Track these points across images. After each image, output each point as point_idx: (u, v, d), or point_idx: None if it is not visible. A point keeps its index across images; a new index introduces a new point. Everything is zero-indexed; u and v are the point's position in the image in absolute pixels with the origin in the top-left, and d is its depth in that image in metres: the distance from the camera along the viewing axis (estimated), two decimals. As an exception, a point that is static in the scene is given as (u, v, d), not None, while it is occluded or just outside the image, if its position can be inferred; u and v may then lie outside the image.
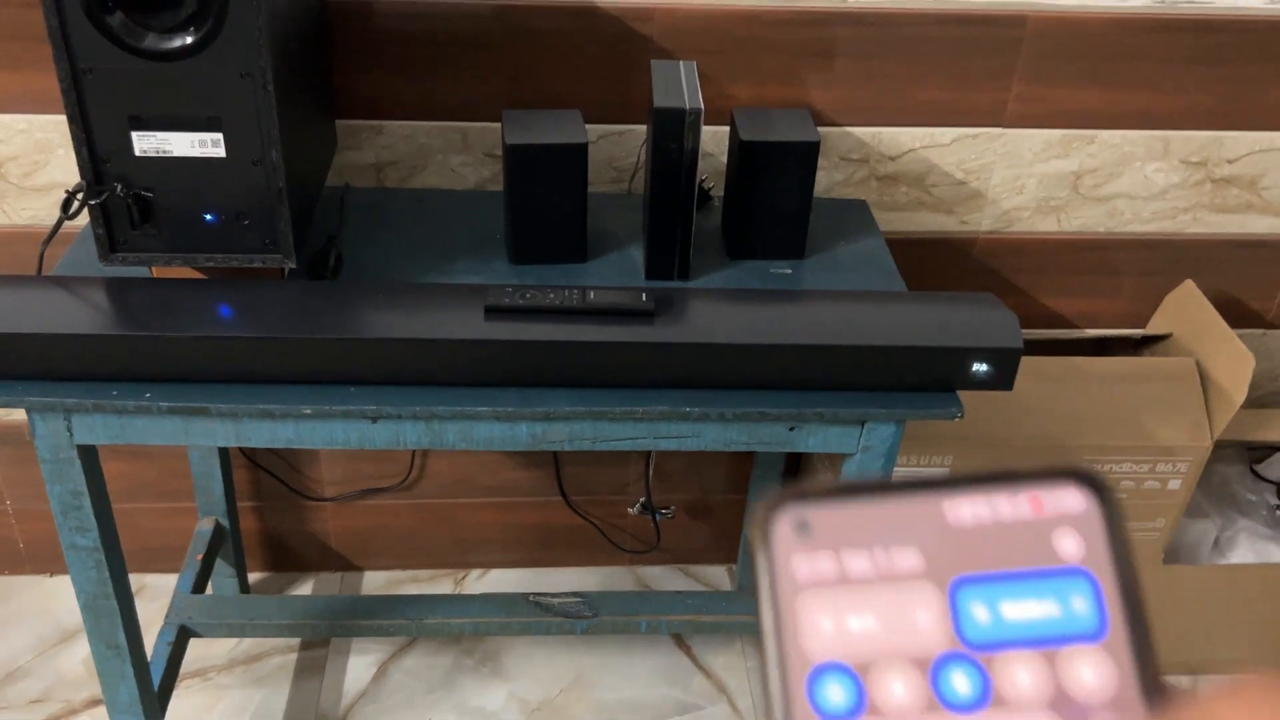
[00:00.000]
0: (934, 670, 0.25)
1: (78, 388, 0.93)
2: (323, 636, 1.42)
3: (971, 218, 1.29)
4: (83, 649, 1.39)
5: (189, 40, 0.87)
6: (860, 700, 0.25)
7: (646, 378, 0.94)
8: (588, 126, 1.09)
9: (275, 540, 1.50)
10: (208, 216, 0.96)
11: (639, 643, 1.45)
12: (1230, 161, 1.28)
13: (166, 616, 1.28)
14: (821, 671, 0.26)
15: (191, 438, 0.98)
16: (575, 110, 1.07)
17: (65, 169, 1.19)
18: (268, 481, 1.43)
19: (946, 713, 0.25)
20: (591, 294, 0.94)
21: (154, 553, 1.46)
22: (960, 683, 0.25)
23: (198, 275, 1.02)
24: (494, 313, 0.93)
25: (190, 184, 0.94)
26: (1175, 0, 1.18)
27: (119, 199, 0.94)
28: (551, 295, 0.94)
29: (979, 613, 0.26)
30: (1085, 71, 1.21)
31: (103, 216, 0.94)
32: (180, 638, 1.27)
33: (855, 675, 0.26)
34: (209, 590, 1.39)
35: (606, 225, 1.13)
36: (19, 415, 1.31)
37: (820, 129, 1.15)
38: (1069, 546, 0.26)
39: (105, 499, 1.02)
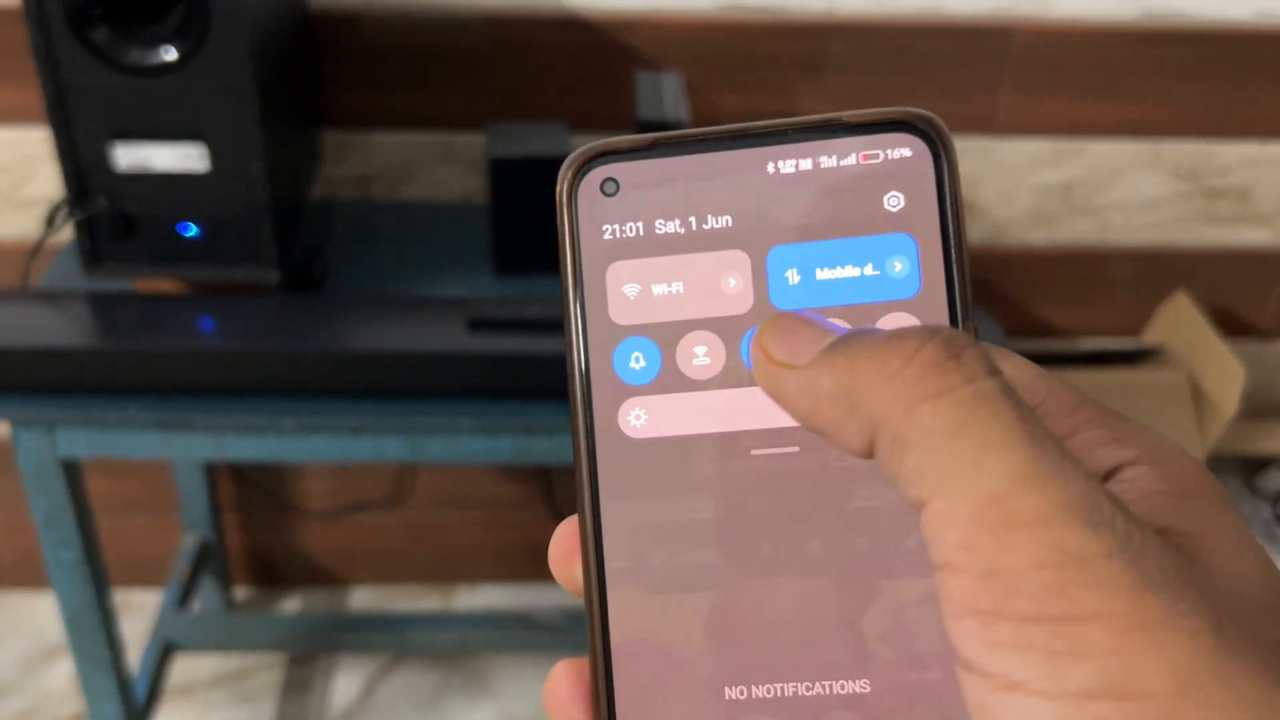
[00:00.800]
0: (742, 337, 0.24)
1: (61, 401, 0.92)
2: (309, 653, 1.41)
3: (961, 230, 1.29)
4: (67, 665, 1.38)
5: (173, 55, 0.87)
6: (663, 366, 0.25)
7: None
8: (575, 138, 1.09)
9: (261, 556, 1.49)
10: (191, 229, 0.96)
11: (630, 658, 1.44)
12: (1221, 172, 1.28)
13: (151, 632, 1.28)
14: (625, 340, 0.25)
15: (174, 450, 0.97)
16: (560, 123, 1.07)
17: (51, 183, 1.18)
18: (254, 496, 1.43)
19: (749, 378, 0.24)
20: (575, 306, 0.94)
21: (138, 568, 1.45)
22: None
23: (181, 288, 1.01)
24: (477, 325, 0.93)
25: (174, 197, 0.94)
26: (1162, 12, 1.18)
27: (102, 213, 0.93)
28: (534, 307, 0.94)
29: (791, 277, 0.24)
30: (1074, 83, 1.21)
31: (86, 230, 0.94)
32: (165, 653, 1.26)
33: (658, 344, 0.25)
34: (194, 606, 1.38)
35: (594, 238, 1.13)
36: (3, 430, 1.31)
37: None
38: (894, 207, 0.24)
39: (89, 512, 1.02)
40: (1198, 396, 1.26)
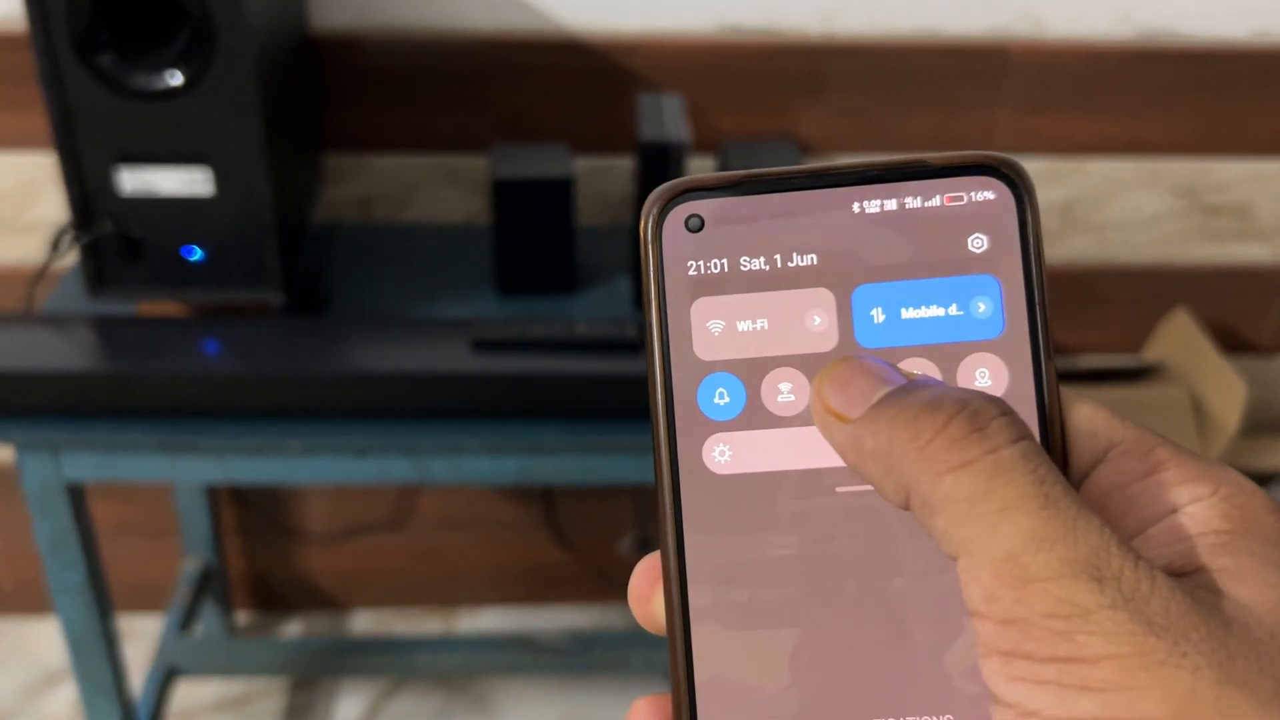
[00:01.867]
0: None
1: (65, 424, 0.92)
2: (311, 677, 1.40)
3: (961, 248, 1.29)
4: (68, 691, 1.37)
5: (178, 80, 0.88)
6: (748, 403, 0.25)
7: (634, 408, 0.94)
8: (578, 159, 1.09)
9: (263, 579, 1.48)
10: (195, 252, 0.96)
11: (633, 681, 1.44)
12: (1219, 189, 1.29)
13: (153, 658, 1.27)
14: (710, 375, 0.25)
15: (179, 473, 0.97)
16: (562, 145, 1.08)
17: (54, 207, 1.19)
18: (255, 520, 1.42)
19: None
20: (578, 326, 0.94)
21: (140, 593, 1.44)
22: None
23: (186, 311, 1.01)
24: (481, 346, 0.93)
25: (178, 220, 0.94)
26: (1157, 31, 1.19)
27: (107, 236, 0.94)
28: (538, 327, 0.94)
29: (876, 316, 0.25)
30: (1071, 101, 1.22)
31: (91, 254, 0.95)
32: (167, 679, 1.26)
33: (743, 380, 0.25)
34: (196, 631, 1.37)
35: (596, 257, 1.14)
36: (6, 454, 1.31)
37: (809, 160, 1.16)
38: (978, 249, 0.25)
39: (93, 536, 1.02)
40: (1199, 413, 1.26)
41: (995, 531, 0.21)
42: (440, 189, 1.22)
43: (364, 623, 1.51)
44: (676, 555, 0.25)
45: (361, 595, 1.51)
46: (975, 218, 0.25)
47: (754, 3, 1.15)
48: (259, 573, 1.48)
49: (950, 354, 0.25)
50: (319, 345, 0.95)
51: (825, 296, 0.25)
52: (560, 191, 1.04)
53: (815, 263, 0.25)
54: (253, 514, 1.42)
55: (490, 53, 1.14)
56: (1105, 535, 0.21)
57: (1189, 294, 1.34)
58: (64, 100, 0.88)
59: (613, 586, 1.51)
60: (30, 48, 0.85)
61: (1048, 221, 1.29)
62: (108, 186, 0.92)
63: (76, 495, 0.97)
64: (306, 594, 1.50)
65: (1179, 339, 1.31)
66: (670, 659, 0.25)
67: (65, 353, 0.95)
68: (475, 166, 1.21)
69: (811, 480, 0.25)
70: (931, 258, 0.25)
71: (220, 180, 0.93)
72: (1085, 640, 0.20)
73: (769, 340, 0.25)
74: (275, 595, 1.50)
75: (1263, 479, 1.45)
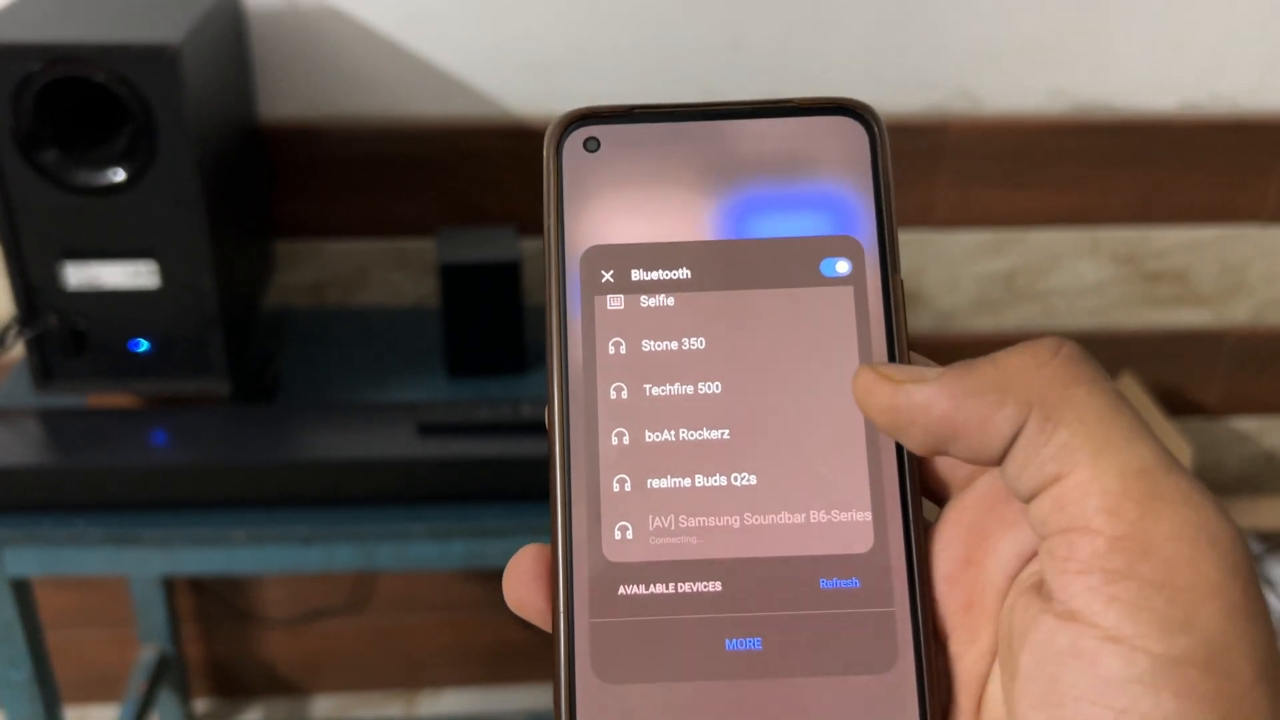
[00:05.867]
0: None
1: (9, 519, 0.92)
2: (272, 765, 1.38)
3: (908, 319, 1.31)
4: (22, 788, 1.35)
5: (121, 176, 0.89)
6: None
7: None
8: (526, 241, 1.11)
9: (222, 666, 1.47)
10: (142, 345, 0.97)
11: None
12: (1158, 256, 1.31)
13: (108, 751, 1.25)
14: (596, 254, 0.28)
15: (125, 566, 0.97)
16: (509, 228, 1.10)
17: (1, 301, 1.19)
18: (212, 606, 1.41)
19: None
20: (523, 407, 0.95)
21: (93, 684, 1.42)
22: None
23: (136, 401, 1.02)
24: (426, 430, 0.94)
25: (124, 312, 0.95)
26: (1091, 104, 1.22)
27: (53, 331, 0.94)
28: (483, 410, 0.95)
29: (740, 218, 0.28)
30: (1010, 174, 1.25)
31: (37, 348, 0.95)
32: (121, 773, 1.24)
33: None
34: (154, 721, 1.35)
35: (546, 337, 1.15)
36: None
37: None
38: (834, 176, 0.28)
39: (39, 630, 1.01)
40: (1149, 476, 1.27)
41: (1130, 446, 0.21)
42: (391, 273, 1.24)
43: (325, 708, 1.49)
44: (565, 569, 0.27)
45: (322, 680, 1.49)
46: (834, 150, 0.28)
47: (688, 89, 1.17)
48: (217, 659, 1.46)
49: (803, 245, 0.28)
50: (264, 434, 0.95)
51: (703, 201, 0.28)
52: (507, 274, 1.05)
53: (695, 181, 0.28)
54: (210, 600, 1.41)
55: (438, 139, 1.17)
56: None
57: (1134, 359, 1.36)
58: (7, 197, 0.89)
59: (576, 664, 1.50)
60: (-27, 148, 0.86)
61: (992, 290, 1.31)
62: (52, 281, 0.93)
63: (22, 590, 0.97)
64: (266, 680, 1.48)
65: (1126, 403, 1.33)
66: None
67: (11, 447, 0.94)
68: (425, 250, 1.22)
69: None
70: (792, 181, 0.28)
71: (165, 272, 0.94)
72: (1205, 568, 0.20)
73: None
74: (234, 682, 1.48)
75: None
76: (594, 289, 0.28)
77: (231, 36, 1.06)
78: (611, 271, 0.28)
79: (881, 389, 0.24)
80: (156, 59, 0.85)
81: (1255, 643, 0.19)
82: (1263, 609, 0.20)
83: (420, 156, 1.18)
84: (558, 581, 0.26)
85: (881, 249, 0.27)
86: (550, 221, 0.28)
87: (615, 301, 0.28)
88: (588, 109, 0.28)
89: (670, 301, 0.27)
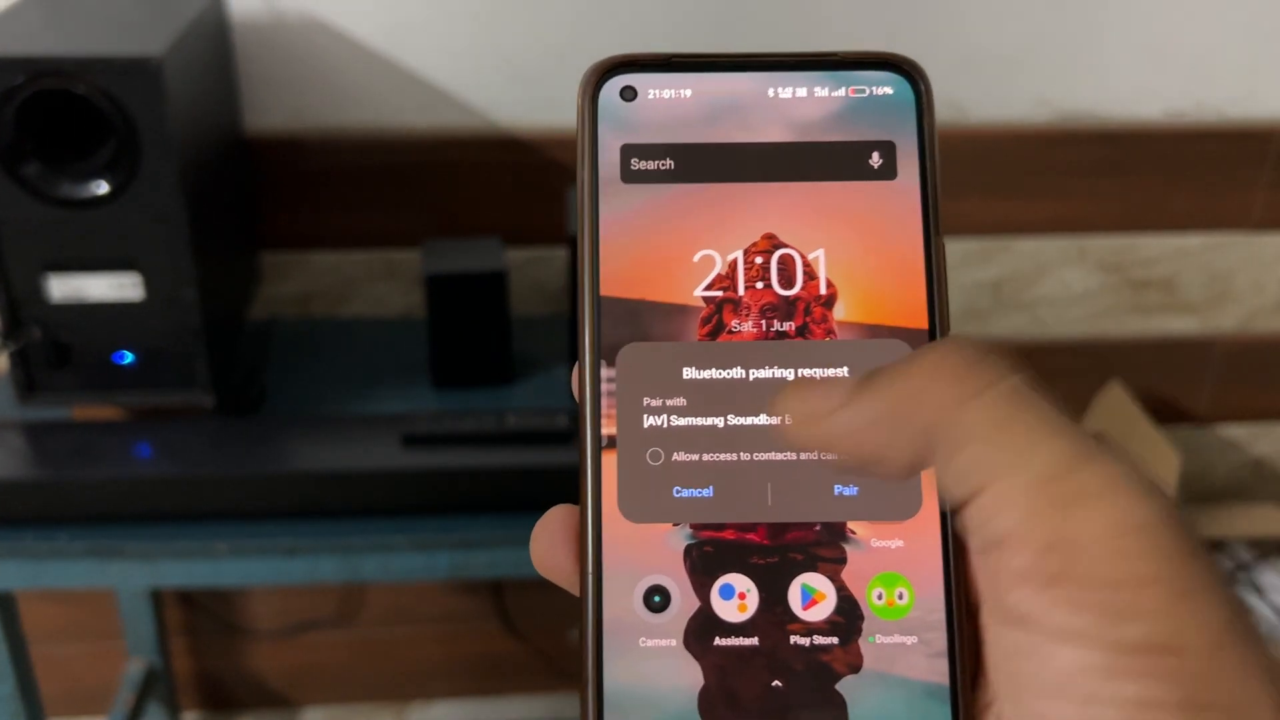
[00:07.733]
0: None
1: (-9, 533, 0.91)
2: (261, 779, 1.38)
3: (897, 328, 1.31)
4: (9, 803, 1.34)
5: (104, 189, 0.89)
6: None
7: (566, 499, 0.94)
8: (513, 251, 1.11)
9: (210, 679, 1.46)
10: (126, 357, 0.96)
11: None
12: (1145, 264, 1.32)
13: (94, 765, 1.24)
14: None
15: (109, 579, 0.96)
16: (495, 238, 1.10)
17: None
18: (201, 619, 1.41)
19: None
20: (508, 418, 0.95)
21: (80, 698, 1.42)
22: None
23: (121, 414, 1.02)
24: (410, 441, 0.94)
25: (108, 325, 0.95)
26: (1075, 113, 1.22)
27: (36, 343, 0.94)
28: (468, 421, 0.95)
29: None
30: (995, 184, 1.25)
31: (20, 361, 0.95)
32: (108, 787, 1.23)
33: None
34: (142, 735, 1.34)
35: (533, 347, 1.15)
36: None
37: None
38: (877, 136, 0.27)
39: (23, 645, 1.00)
40: (1138, 484, 1.27)
41: (1034, 452, 0.20)
42: (377, 284, 1.23)
43: (314, 720, 1.49)
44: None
45: (312, 692, 1.49)
46: (875, 108, 0.27)
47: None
48: (206, 672, 1.45)
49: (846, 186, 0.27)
50: (247, 446, 0.95)
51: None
52: (493, 284, 1.05)
53: (731, 131, 0.27)
54: (198, 612, 1.40)
55: (424, 150, 1.17)
56: (1133, 458, 0.21)
57: (1122, 367, 1.36)
58: (-10, 211, 0.89)
59: (564, 676, 1.50)
60: (-45, 161, 0.86)
61: (979, 300, 1.31)
62: (36, 294, 0.93)
63: (5, 604, 0.96)
64: (255, 693, 1.47)
65: (1114, 412, 1.33)
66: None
67: (-6, 460, 0.94)
68: (411, 261, 1.22)
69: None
70: (833, 134, 0.27)
71: (149, 285, 0.94)
72: (1136, 562, 0.19)
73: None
74: (223, 695, 1.47)
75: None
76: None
77: (216, 49, 1.07)
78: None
79: (788, 423, 0.24)
80: (139, 72, 0.85)
81: (1207, 617, 0.19)
82: (1209, 580, 0.20)
83: (406, 167, 1.18)
84: (586, 542, 0.26)
85: (924, 207, 0.27)
86: (584, 174, 0.27)
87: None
88: (626, 56, 0.28)
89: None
